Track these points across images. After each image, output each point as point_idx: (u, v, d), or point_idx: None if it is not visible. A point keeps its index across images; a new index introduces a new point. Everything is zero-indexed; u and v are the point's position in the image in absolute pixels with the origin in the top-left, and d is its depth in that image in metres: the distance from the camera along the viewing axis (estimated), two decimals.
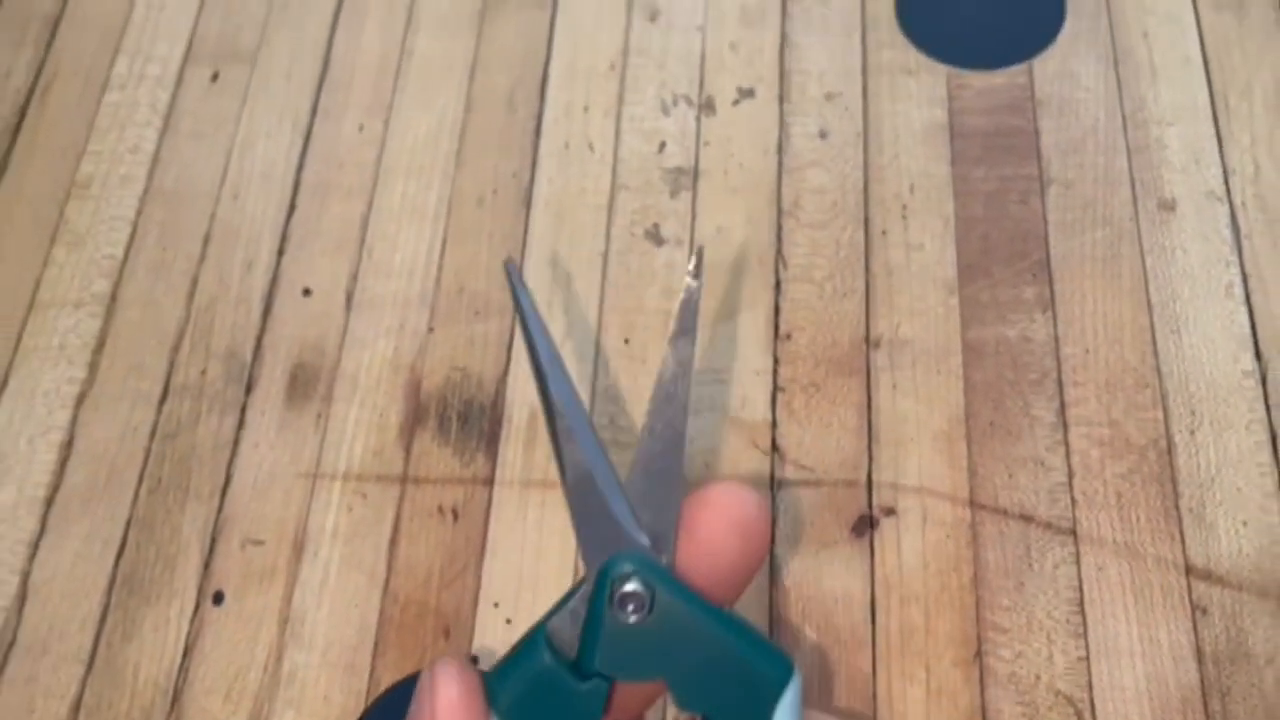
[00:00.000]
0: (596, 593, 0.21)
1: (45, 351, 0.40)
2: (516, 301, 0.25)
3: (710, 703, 0.21)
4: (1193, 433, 0.35)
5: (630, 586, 0.21)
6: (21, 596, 0.36)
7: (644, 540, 0.22)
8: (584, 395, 0.38)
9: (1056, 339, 0.37)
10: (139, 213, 0.43)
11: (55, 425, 0.39)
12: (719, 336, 0.38)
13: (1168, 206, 0.39)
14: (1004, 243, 0.39)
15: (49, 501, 0.38)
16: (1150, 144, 0.40)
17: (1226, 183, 0.39)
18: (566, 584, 0.35)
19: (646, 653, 0.21)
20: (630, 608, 0.21)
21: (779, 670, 0.21)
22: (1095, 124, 0.40)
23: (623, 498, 0.22)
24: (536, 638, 0.22)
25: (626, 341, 0.38)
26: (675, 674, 0.21)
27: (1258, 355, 0.36)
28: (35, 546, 0.37)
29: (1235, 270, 0.38)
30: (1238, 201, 0.39)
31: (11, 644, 0.35)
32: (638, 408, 0.37)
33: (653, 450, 0.23)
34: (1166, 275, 0.38)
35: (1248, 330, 0.37)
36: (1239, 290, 0.37)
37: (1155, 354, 0.37)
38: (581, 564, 0.22)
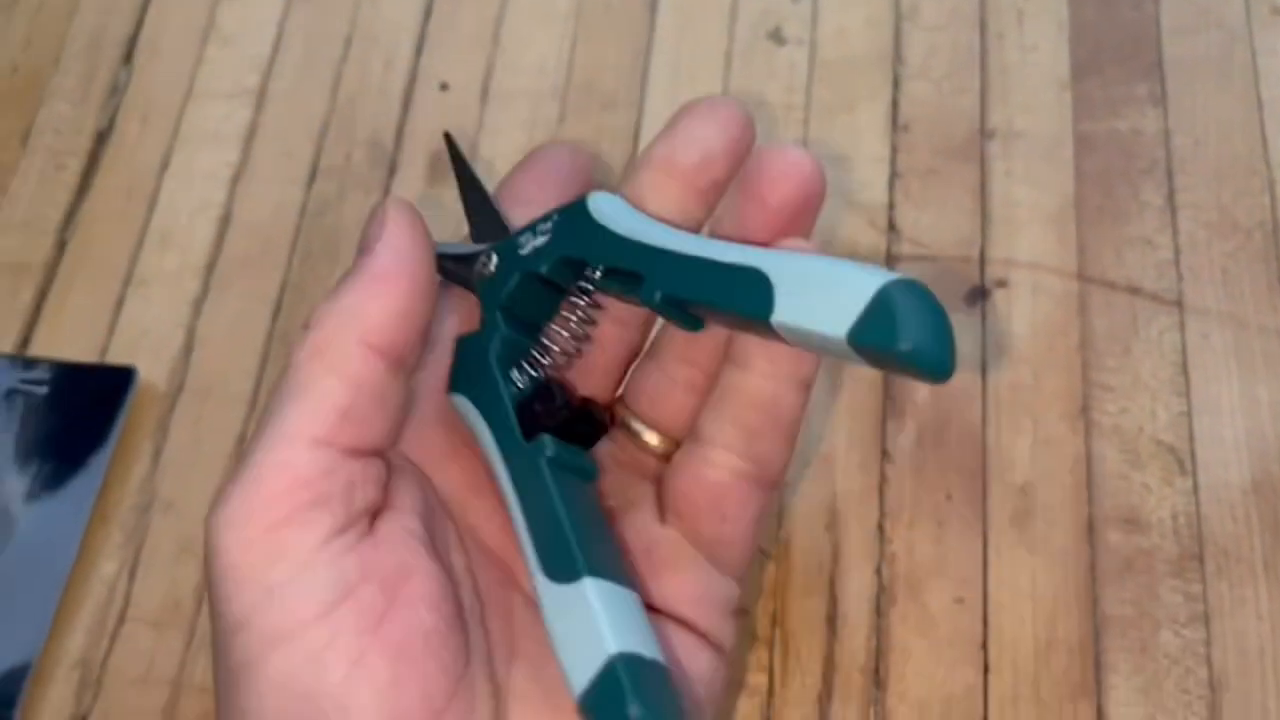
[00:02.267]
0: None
1: (202, 137, 0.43)
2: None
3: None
4: None
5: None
6: (188, 348, 0.39)
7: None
8: None
9: (1167, 131, 0.39)
10: (285, 16, 0.45)
11: (213, 202, 0.42)
12: (838, 126, 0.40)
13: None
14: (1117, 45, 0.40)
15: (210, 268, 0.41)
16: None
17: None
18: None
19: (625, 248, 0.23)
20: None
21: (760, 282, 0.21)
22: None
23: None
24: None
25: None
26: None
27: None
28: (199, 305, 0.40)
29: None
30: None
31: (180, 388, 0.39)
32: None
33: None
34: (1278, 74, 0.39)
35: None
36: None
37: (1264, 146, 0.38)
38: None
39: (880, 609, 0.33)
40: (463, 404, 0.26)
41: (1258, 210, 0.37)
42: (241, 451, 0.23)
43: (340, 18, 0.45)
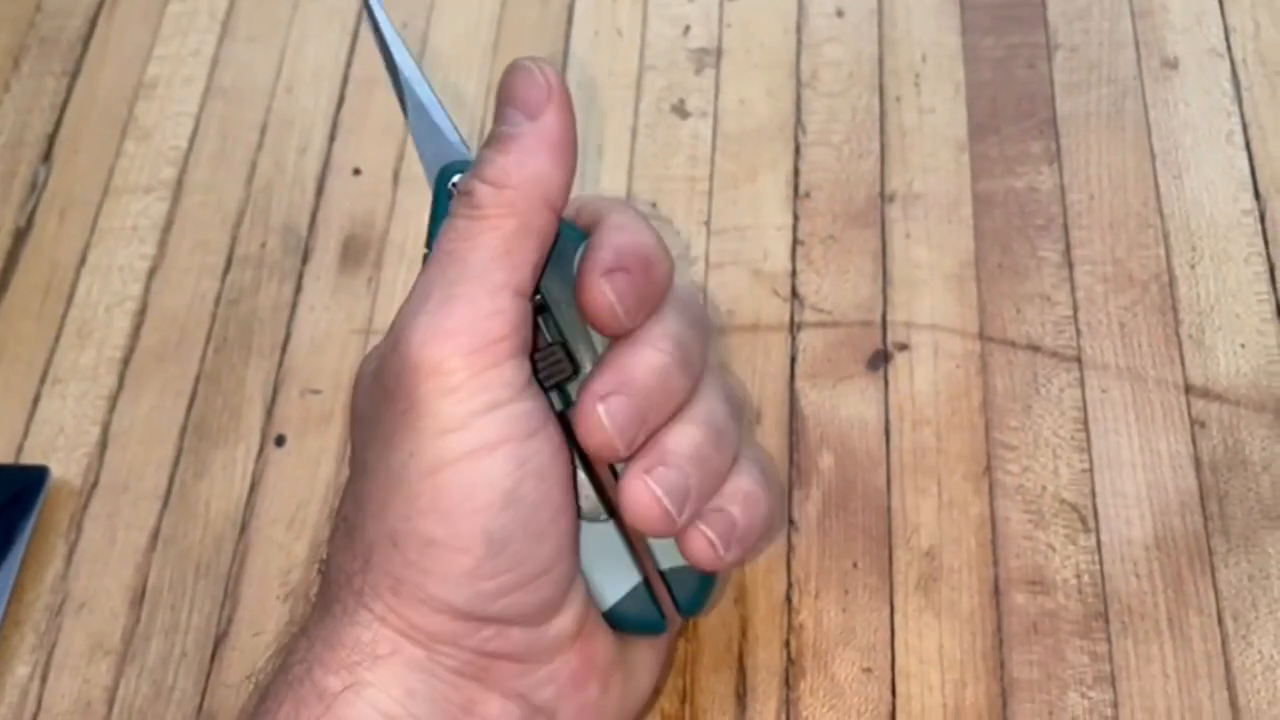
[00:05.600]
0: (438, 188, 0.29)
1: (119, 232, 0.43)
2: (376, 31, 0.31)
3: None
4: (1193, 266, 0.37)
5: (458, 178, 0.28)
6: (103, 444, 0.39)
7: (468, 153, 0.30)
8: None
9: (1062, 188, 0.39)
10: (201, 108, 0.46)
11: (130, 296, 0.42)
12: (742, 197, 0.41)
13: (1170, 65, 0.41)
14: (1012, 104, 0.41)
15: (126, 361, 0.41)
16: (1154, 8, 0.42)
17: (1227, 40, 0.41)
18: None
19: None
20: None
21: None
22: None
23: (447, 121, 0.31)
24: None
25: (654, 205, 0.41)
26: None
27: (1257, 195, 0.38)
28: (114, 400, 0.40)
29: (1235, 120, 0.39)
30: (1238, 58, 0.40)
31: (95, 484, 0.39)
32: None
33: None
34: (1169, 126, 0.39)
35: (1247, 173, 0.38)
36: (1239, 138, 0.39)
37: (1158, 197, 0.38)
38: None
39: (789, 682, 0.33)
40: None
41: (1152, 263, 0.37)
42: (427, 285, 0.27)
43: (256, 107, 0.45)
